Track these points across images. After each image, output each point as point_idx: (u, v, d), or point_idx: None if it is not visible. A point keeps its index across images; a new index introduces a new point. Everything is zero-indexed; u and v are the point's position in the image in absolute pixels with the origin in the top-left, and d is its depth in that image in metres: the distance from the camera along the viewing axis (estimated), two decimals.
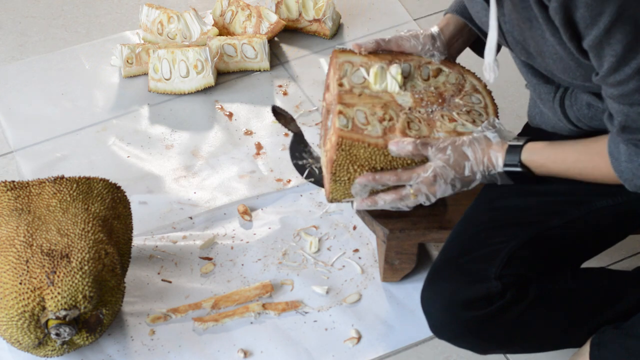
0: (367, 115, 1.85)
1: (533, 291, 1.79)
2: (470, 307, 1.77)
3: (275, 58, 2.66)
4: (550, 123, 1.86)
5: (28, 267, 1.88)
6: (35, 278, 1.86)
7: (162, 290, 2.13)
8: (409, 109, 1.88)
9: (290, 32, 2.71)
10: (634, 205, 1.80)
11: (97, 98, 2.57)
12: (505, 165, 1.81)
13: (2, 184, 2.04)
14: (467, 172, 1.82)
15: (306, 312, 2.08)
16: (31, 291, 1.85)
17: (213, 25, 2.68)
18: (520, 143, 1.80)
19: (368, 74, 1.91)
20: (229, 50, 2.58)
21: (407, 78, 1.93)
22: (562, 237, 1.82)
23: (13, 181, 2.05)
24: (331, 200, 1.92)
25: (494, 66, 1.72)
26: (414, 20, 2.74)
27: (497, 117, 1.89)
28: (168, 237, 2.23)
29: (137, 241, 2.20)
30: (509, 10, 1.68)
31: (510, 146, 1.80)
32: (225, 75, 2.62)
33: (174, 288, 2.13)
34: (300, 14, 2.68)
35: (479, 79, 1.96)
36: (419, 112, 1.88)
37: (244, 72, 2.62)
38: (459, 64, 1.98)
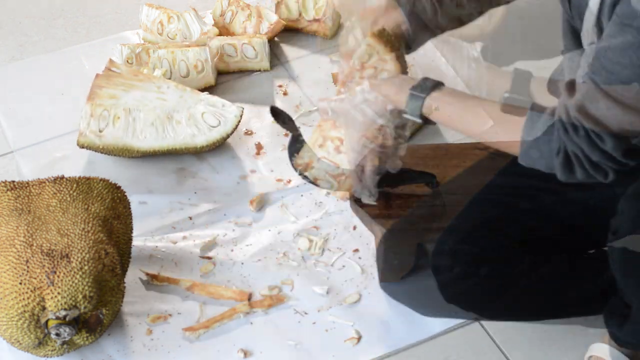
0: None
1: (483, 271, 1.86)
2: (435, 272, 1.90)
3: (275, 58, 2.66)
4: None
5: (28, 267, 1.88)
6: (35, 278, 1.86)
7: (162, 290, 2.13)
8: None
9: (290, 32, 2.71)
10: (605, 203, 1.81)
11: None
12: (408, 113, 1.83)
13: (2, 184, 2.04)
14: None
15: (306, 313, 2.08)
16: (31, 291, 1.85)
17: (213, 25, 2.68)
18: (422, 94, 1.80)
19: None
20: (229, 50, 2.58)
21: None
22: (527, 221, 1.87)
23: (13, 181, 2.05)
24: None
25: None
26: None
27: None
28: (168, 237, 2.23)
29: (137, 241, 2.20)
30: None
31: (412, 94, 1.81)
32: (225, 75, 2.62)
33: (174, 288, 2.13)
34: (300, 14, 2.68)
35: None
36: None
37: (244, 72, 2.62)
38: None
